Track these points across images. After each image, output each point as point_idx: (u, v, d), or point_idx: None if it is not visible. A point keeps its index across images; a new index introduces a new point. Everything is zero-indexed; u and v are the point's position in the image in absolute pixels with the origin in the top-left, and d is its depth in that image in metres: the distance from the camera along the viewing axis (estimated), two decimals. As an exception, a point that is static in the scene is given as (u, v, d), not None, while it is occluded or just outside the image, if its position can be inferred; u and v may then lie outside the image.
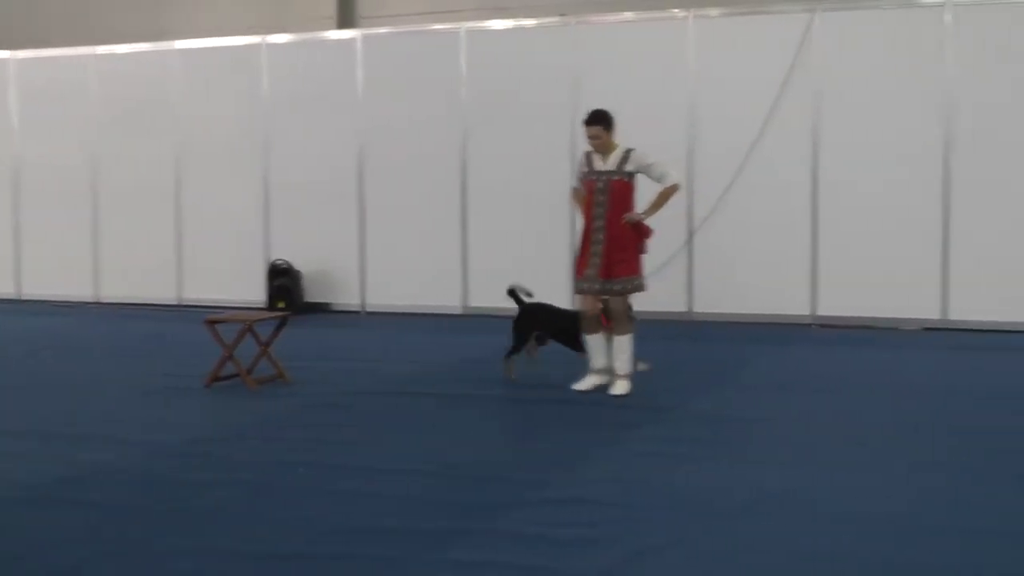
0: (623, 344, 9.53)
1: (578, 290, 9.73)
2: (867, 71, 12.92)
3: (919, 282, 12.87)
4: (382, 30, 15.46)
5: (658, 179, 9.50)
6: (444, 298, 14.64)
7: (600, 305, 9.60)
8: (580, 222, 9.79)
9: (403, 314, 14.69)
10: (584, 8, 15.20)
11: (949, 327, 12.78)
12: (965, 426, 8.22)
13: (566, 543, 5.72)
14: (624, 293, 9.49)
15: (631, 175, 9.48)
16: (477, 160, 14.29)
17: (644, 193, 9.52)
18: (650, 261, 13.20)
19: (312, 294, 15.29)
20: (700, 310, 13.65)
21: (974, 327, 12.66)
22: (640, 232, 9.54)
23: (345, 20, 17.75)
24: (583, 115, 9.60)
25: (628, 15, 14.03)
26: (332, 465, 7.35)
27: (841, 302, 13.17)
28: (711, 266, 13.56)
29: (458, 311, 14.58)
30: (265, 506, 6.48)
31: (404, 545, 5.73)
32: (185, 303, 16.00)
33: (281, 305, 14.71)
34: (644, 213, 9.48)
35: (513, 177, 13.96)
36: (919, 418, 8.49)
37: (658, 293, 13.42)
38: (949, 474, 6.93)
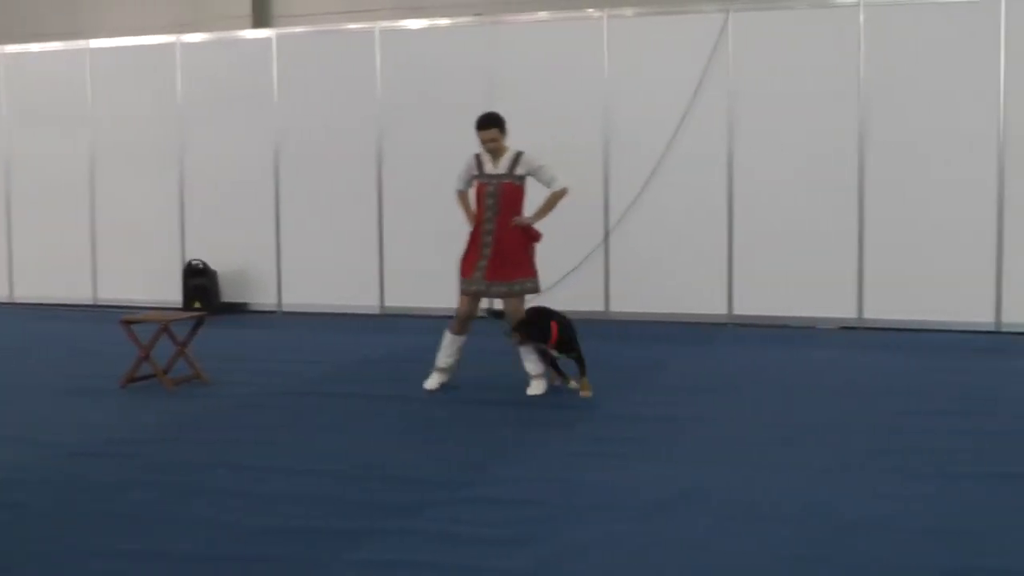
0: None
1: (464, 291, 9.73)
2: (782, 70, 13.03)
3: (835, 281, 12.98)
4: (297, 29, 15.42)
5: (547, 183, 9.65)
6: (361, 298, 14.64)
7: (476, 308, 9.71)
8: (466, 224, 9.83)
9: (320, 314, 14.66)
10: (499, 8, 15.27)
11: (865, 326, 12.90)
12: (880, 424, 8.33)
13: (489, 542, 5.76)
14: (516, 295, 9.56)
15: (521, 178, 9.60)
16: (393, 160, 14.29)
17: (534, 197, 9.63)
18: (566, 260, 13.43)
19: (228, 294, 15.23)
20: (617, 309, 13.73)
21: (890, 326, 12.79)
22: (529, 235, 9.64)
23: (260, 19, 17.68)
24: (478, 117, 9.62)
25: (543, 15, 14.09)
26: (250, 466, 7.34)
27: (758, 301, 13.26)
28: (628, 265, 13.64)
29: (375, 311, 14.58)
30: (180, 508, 6.47)
31: (324, 545, 5.75)
32: (101, 303, 15.87)
33: (197, 305, 14.64)
34: (533, 217, 9.62)
35: (429, 177, 13.98)
36: (835, 416, 8.59)
37: (575, 292, 13.60)
38: (865, 471, 7.04)
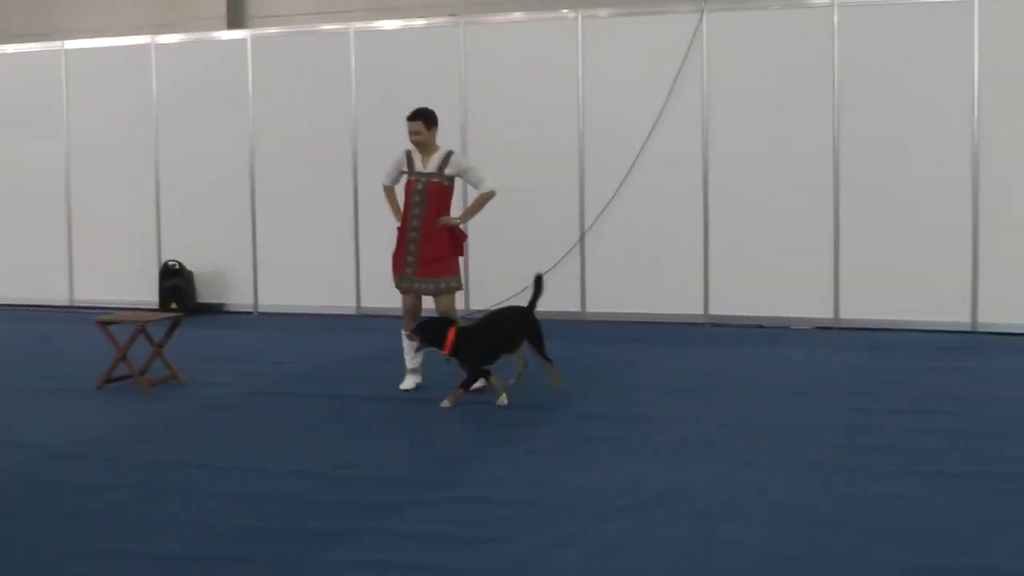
0: None
1: (398, 287, 9.87)
2: (756, 71, 13.07)
3: (811, 281, 13.00)
4: (272, 30, 15.41)
5: (475, 184, 9.84)
6: (337, 298, 14.65)
7: (420, 304, 9.81)
8: (393, 220, 9.98)
9: (296, 315, 14.66)
10: (474, 8, 15.29)
11: (841, 326, 12.92)
12: (853, 423, 8.38)
13: (467, 542, 5.79)
14: (443, 292, 9.68)
15: (450, 178, 9.73)
16: (368, 160, 14.28)
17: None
18: (542, 261, 13.47)
19: (205, 295, 15.22)
20: (593, 310, 13.76)
21: (866, 326, 12.82)
22: (455, 235, 9.76)
23: (235, 20, 17.66)
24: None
25: (517, 15, 14.12)
26: (227, 467, 7.36)
27: (734, 301, 13.29)
28: (603, 266, 13.68)
29: (352, 311, 14.59)
30: (156, 509, 6.48)
31: (299, 546, 5.77)
32: (77, 304, 15.84)
33: (174, 306, 14.63)
34: (459, 218, 9.83)
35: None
36: (809, 415, 8.63)
37: (552, 293, 13.61)
38: (838, 470, 7.08)
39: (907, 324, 12.68)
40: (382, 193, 10.07)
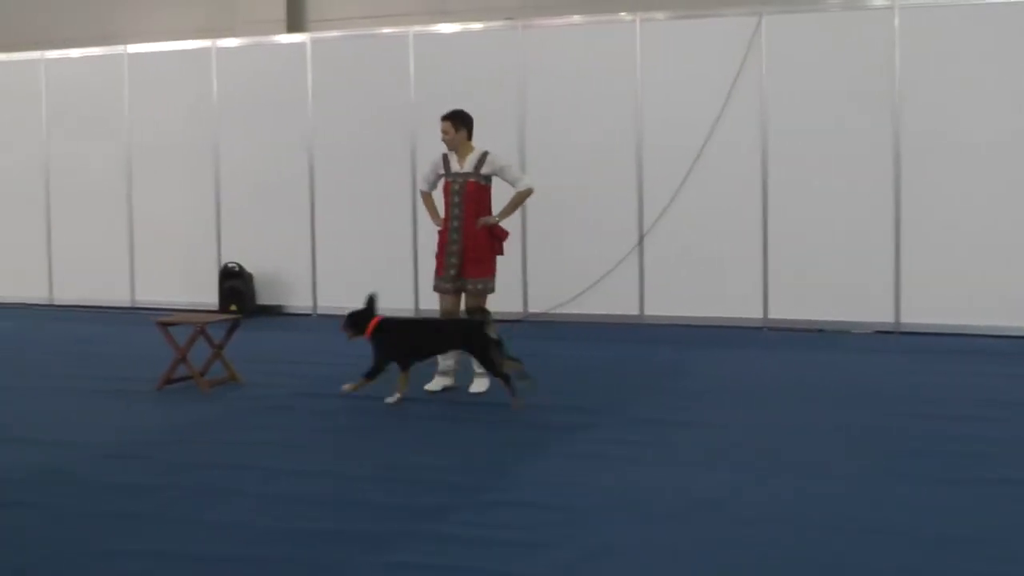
0: None
1: (437, 288, 9.93)
2: (815, 73, 12.97)
3: (871, 285, 12.85)
4: (331, 34, 15.47)
5: (512, 182, 9.87)
6: (395, 300, 14.62)
7: (458, 306, 9.89)
8: (431, 223, 10.15)
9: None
10: (531, 12, 15.28)
11: (902, 330, 12.74)
12: (908, 429, 8.29)
13: (509, 545, 5.79)
14: (478, 294, 9.73)
15: (487, 178, 9.78)
16: (426, 163, 14.25)
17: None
18: (601, 264, 13.46)
19: (264, 296, 15.31)
20: (651, 313, 13.70)
21: (928, 330, 12.62)
22: (495, 234, 9.81)
23: (294, 24, 17.75)
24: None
25: (575, 19, 14.10)
26: (279, 468, 7.40)
27: (793, 305, 13.16)
28: (662, 269, 13.62)
29: (410, 313, 14.61)
30: (210, 509, 6.53)
31: (345, 548, 5.79)
32: (138, 305, 15.99)
33: (233, 308, 14.72)
34: (497, 216, 9.81)
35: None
36: (863, 421, 8.55)
37: (609, 295, 13.62)
38: (888, 477, 7.01)
39: (969, 329, 12.49)
40: (438, 196, 10.09)
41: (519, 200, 9.87)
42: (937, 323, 12.63)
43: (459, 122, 9.84)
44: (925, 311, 12.69)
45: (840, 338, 12.59)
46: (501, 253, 9.96)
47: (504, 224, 9.85)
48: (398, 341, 9.48)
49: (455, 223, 9.73)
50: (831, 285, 12.96)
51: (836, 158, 12.90)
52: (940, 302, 12.62)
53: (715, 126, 13.22)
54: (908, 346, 12.09)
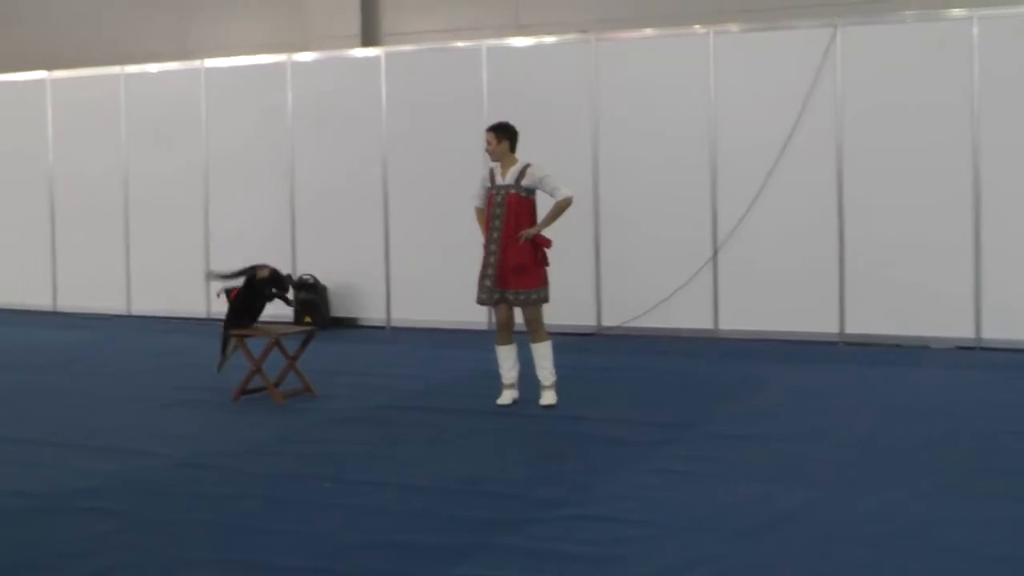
0: (542, 352, 9.75)
1: (478, 300, 9.97)
2: (891, 85, 12.83)
3: (951, 299, 12.63)
4: (405, 48, 15.53)
5: (551, 192, 9.80)
6: (469, 313, 14.65)
7: (511, 316, 9.88)
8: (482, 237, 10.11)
9: (429, 329, 14.73)
10: (604, 25, 15.25)
11: (983, 346, 12.52)
12: (986, 446, 8.18)
13: (583, 560, 5.79)
14: (527, 304, 9.72)
15: (528, 190, 9.77)
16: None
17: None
18: (675, 278, 13.39)
19: (338, 309, 15.37)
20: (725, 327, 13.61)
21: (1011, 346, 12.38)
22: (538, 243, 9.75)
23: (369, 38, 17.84)
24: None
25: (648, 32, 14.06)
26: (353, 480, 7.44)
27: (870, 319, 12.98)
28: (737, 282, 13.52)
29: (483, 326, 14.61)
30: (284, 519, 6.57)
31: (420, 560, 5.80)
32: (214, 317, 16.09)
33: (307, 320, 14.79)
34: (538, 227, 9.75)
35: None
36: (940, 437, 8.45)
37: (683, 310, 13.55)
38: (966, 494, 6.93)
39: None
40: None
41: (559, 209, 9.79)
42: (1020, 339, 12.41)
43: (502, 134, 9.89)
44: (1007, 326, 12.47)
45: (919, 353, 12.41)
46: (546, 263, 9.89)
47: (547, 233, 9.79)
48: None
49: (494, 235, 9.75)
50: (909, 299, 12.77)
51: (913, 170, 12.73)
52: (1023, 317, 12.43)
53: (790, 138, 13.12)
54: (989, 362, 11.89)
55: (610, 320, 13.84)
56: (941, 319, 12.67)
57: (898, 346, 12.73)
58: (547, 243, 9.80)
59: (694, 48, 13.57)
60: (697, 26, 13.71)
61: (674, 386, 10.60)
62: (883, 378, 11.10)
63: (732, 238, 13.43)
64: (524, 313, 9.77)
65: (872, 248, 12.91)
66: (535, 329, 9.73)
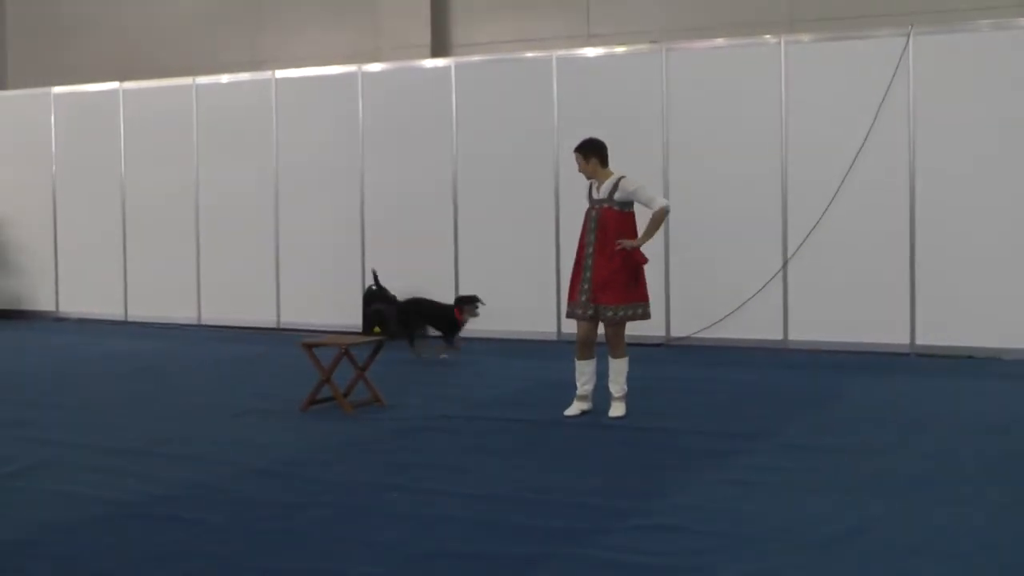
0: (618, 368, 9.67)
1: (570, 315, 9.89)
2: (964, 93, 12.72)
3: (1024, 309, 12.63)
4: (475, 58, 15.59)
5: (647, 204, 9.74)
6: (539, 323, 14.69)
7: (594, 332, 9.77)
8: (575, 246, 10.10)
9: (498, 339, 14.72)
10: (675, 35, 15.22)
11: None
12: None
13: (654, 571, 5.76)
14: (612, 321, 9.62)
15: (623, 204, 9.70)
16: (569, 186, 14.27)
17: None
18: (745, 288, 13.32)
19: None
20: (795, 337, 13.52)
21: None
22: (634, 259, 9.65)
23: (439, 48, 17.91)
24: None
25: (719, 41, 14.02)
26: (421, 489, 7.44)
27: (941, 330, 12.86)
28: (807, 292, 13.43)
29: (552, 337, 14.61)
30: (352, 529, 6.59)
31: (489, 570, 5.80)
32: (284, 326, 16.22)
33: (377, 330, 14.83)
34: (639, 240, 9.68)
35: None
36: (1016, 452, 8.34)
37: (753, 320, 13.48)
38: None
39: None
40: (582, 218, 10.04)
41: (657, 221, 9.71)
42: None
43: (589, 151, 9.83)
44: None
45: (991, 364, 12.30)
46: (642, 280, 9.81)
47: (644, 251, 9.74)
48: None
49: (589, 249, 9.70)
50: (981, 309, 12.65)
51: (986, 179, 12.61)
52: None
53: (862, 148, 13.03)
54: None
55: (679, 331, 13.79)
56: (1014, 329, 12.53)
57: (970, 357, 12.60)
58: (643, 259, 9.73)
59: (765, 57, 13.52)
60: (768, 36, 13.67)
61: (744, 397, 10.54)
62: (954, 390, 10.99)
63: (803, 248, 13.34)
64: (607, 328, 9.67)
65: (943, 258, 12.79)
66: (616, 345, 9.66)
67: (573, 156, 9.95)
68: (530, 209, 14.67)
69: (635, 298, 9.69)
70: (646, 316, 9.81)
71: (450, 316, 13.48)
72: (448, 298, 13.99)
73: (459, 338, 13.50)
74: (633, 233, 9.72)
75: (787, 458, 8.18)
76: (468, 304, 13.36)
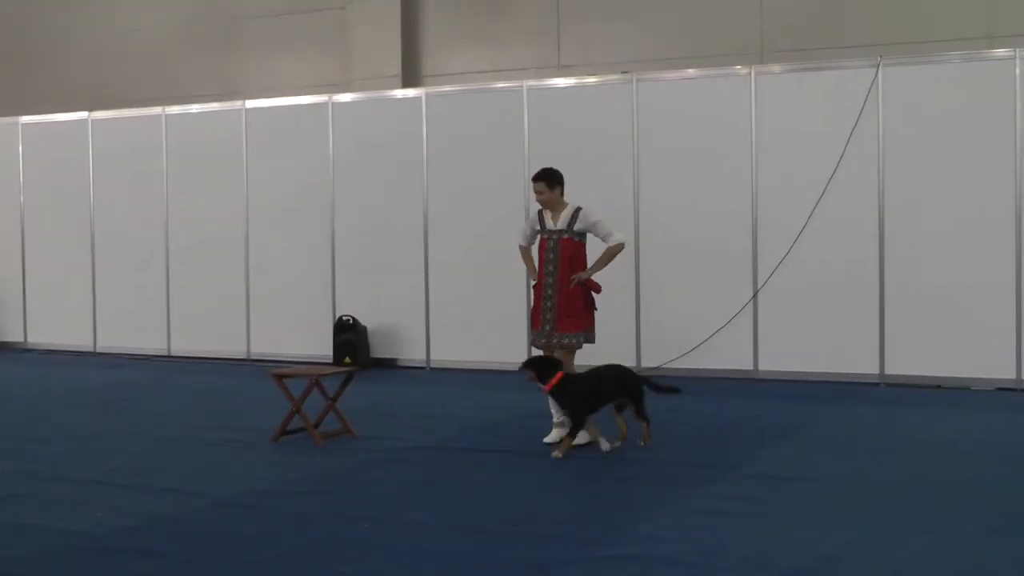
0: None
1: (535, 343, 10.13)
2: (934, 126, 12.77)
3: (992, 340, 12.58)
4: (446, 88, 15.61)
5: (604, 238, 9.90)
6: (509, 354, 14.64)
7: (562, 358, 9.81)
8: (531, 278, 10.34)
9: (469, 370, 14.72)
10: (646, 66, 15.29)
11: (1024, 387, 12.51)
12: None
13: (626, 600, 5.76)
14: (573, 348, 9.81)
15: (580, 234, 9.86)
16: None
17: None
18: (715, 318, 13.35)
19: (378, 349, 15.38)
20: (765, 368, 13.55)
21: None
22: (589, 287, 9.86)
23: (409, 79, 17.95)
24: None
25: (690, 72, 14.09)
26: (392, 520, 7.42)
27: (910, 361, 12.90)
28: (777, 323, 13.47)
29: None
30: (325, 560, 6.57)
31: (462, 600, 5.78)
32: (254, 357, 16.16)
33: (347, 360, 14.81)
34: (589, 271, 9.85)
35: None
36: (985, 480, 8.36)
37: (724, 350, 13.50)
38: (1013, 537, 6.85)
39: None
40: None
41: (610, 255, 9.93)
42: (1062, 380, 12.34)
43: (553, 181, 9.97)
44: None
45: (959, 395, 12.34)
46: (595, 308, 10.01)
47: (597, 278, 9.91)
48: (586, 393, 9.40)
49: (549, 279, 9.85)
50: (950, 340, 12.70)
51: (955, 210, 12.68)
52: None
53: (831, 178, 13.08)
54: (1031, 403, 11.81)
55: (650, 361, 13.79)
56: (982, 360, 12.60)
57: (939, 387, 12.65)
58: (597, 288, 9.86)
59: (736, 88, 13.57)
60: (739, 67, 13.73)
61: (715, 427, 10.55)
62: (924, 420, 11.03)
63: (772, 278, 13.38)
64: (559, 355, 9.77)
65: (913, 289, 12.85)
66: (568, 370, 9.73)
67: (533, 185, 10.06)
68: (500, 238, 14.63)
69: (588, 325, 9.91)
70: (592, 342, 10.00)
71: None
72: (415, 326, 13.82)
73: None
74: (585, 263, 9.90)
75: (758, 488, 8.18)
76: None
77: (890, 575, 6.10)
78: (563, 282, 9.75)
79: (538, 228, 10.03)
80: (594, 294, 9.94)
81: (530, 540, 6.88)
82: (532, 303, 10.08)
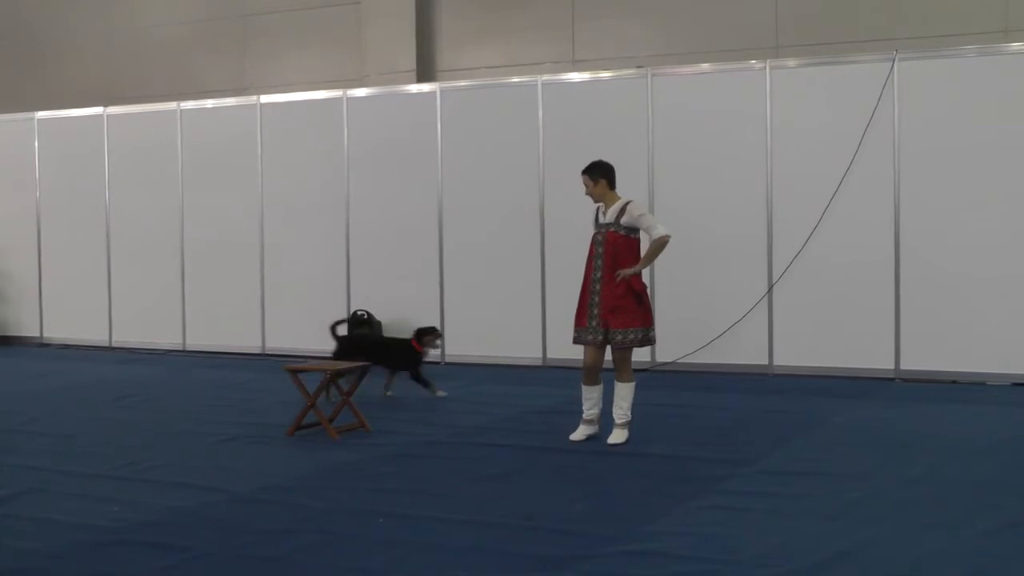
0: (624, 393, 9.65)
1: (577, 340, 9.84)
2: (950, 121, 12.73)
3: (1008, 336, 12.53)
4: (461, 83, 15.61)
5: (647, 230, 9.70)
6: (524, 349, 14.68)
7: (601, 357, 9.72)
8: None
9: (483, 365, 14.72)
10: (661, 60, 15.27)
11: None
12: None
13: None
14: (625, 345, 9.60)
15: (628, 229, 9.68)
16: (554, 211, 14.32)
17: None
18: (730, 313, 13.33)
19: (393, 344, 15.38)
20: (780, 363, 13.52)
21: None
22: (636, 285, 9.63)
23: (424, 74, 17.94)
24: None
25: (705, 67, 14.05)
26: (406, 515, 7.42)
27: (926, 355, 12.87)
28: (792, 318, 13.44)
29: (538, 362, 14.61)
30: (341, 555, 6.58)
31: (478, 596, 5.79)
32: (269, 352, 16.18)
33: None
34: (635, 267, 9.64)
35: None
36: (1002, 476, 8.35)
37: (738, 345, 13.48)
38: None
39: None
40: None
41: (656, 249, 9.70)
42: (1081, 375, 12.30)
43: (597, 173, 9.83)
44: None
45: (975, 390, 12.30)
46: (646, 305, 9.76)
47: (642, 277, 9.74)
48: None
49: (596, 274, 9.67)
50: (966, 335, 12.67)
51: (972, 205, 12.63)
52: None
53: (847, 173, 13.05)
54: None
55: (664, 356, 13.78)
56: (998, 356, 12.55)
57: (954, 382, 12.62)
58: (640, 286, 9.69)
59: (751, 83, 13.54)
60: (754, 61, 13.70)
61: (730, 422, 10.54)
62: (940, 415, 10.99)
63: (788, 273, 13.36)
64: (615, 352, 9.65)
65: (929, 284, 12.80)
66: (623, 369, 9.66)
67: (580, 179, 9.95)
68: (515, 234, 14.67)
69: (643, 322, 9.66)
70: (653, 341, 9.86)
71: (408, 349, 12.62)
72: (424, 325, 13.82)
73: (434, 385, 12.41)
74: (636, 259, 9.70)
75: (774, 483, 8.17)
76: (428, 336, 12.63)
77: (907, 571, 6.09)
78: (608, 277, 9.62)
79: (594, 223, 9.90)
80: (640, 293, 9.70)
81: (545, 535, 6.88)
82: (579, 298, 9.84)
